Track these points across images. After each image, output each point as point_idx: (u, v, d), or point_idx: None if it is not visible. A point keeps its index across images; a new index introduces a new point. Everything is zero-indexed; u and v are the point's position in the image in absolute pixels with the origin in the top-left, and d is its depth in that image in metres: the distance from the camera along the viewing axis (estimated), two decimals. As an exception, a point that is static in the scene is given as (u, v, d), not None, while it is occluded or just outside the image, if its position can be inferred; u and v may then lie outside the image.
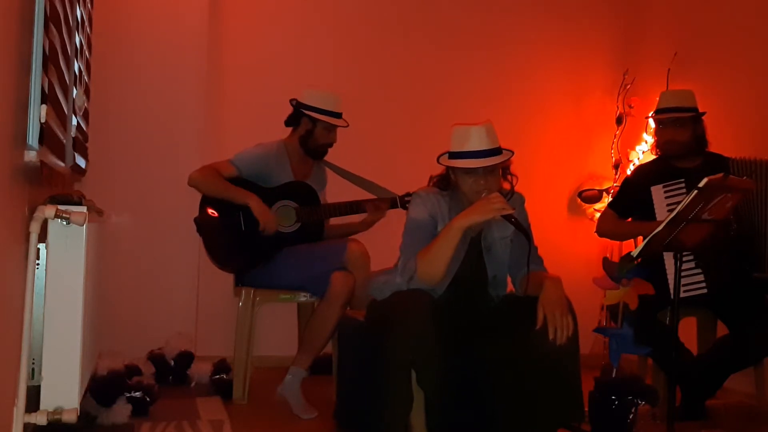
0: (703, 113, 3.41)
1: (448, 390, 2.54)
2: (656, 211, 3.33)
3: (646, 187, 3.39)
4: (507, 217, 2.54)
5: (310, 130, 3.48)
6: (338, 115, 3.49)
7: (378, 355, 2.51)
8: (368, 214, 3.56)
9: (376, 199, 3.58)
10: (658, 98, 3.52)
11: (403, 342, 2.44)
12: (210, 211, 3.41)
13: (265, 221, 3.36)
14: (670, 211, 2.61)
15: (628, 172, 4.39)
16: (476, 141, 2.58)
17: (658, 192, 3.36)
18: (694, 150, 3.40)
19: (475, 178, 2.61)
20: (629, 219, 3.57)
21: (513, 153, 2.65)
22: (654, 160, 3.60)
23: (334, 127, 3.50)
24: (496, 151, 2.60)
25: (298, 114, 3.51)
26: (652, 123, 4.38)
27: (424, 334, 2.43)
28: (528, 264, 2.59)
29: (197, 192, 3.44)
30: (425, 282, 2.58)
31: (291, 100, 3.54)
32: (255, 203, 3.36)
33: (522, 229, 2.58)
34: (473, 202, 2.58)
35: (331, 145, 3.55)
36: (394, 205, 3.59)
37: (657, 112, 3.47)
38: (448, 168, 2.70)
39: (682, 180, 3.30)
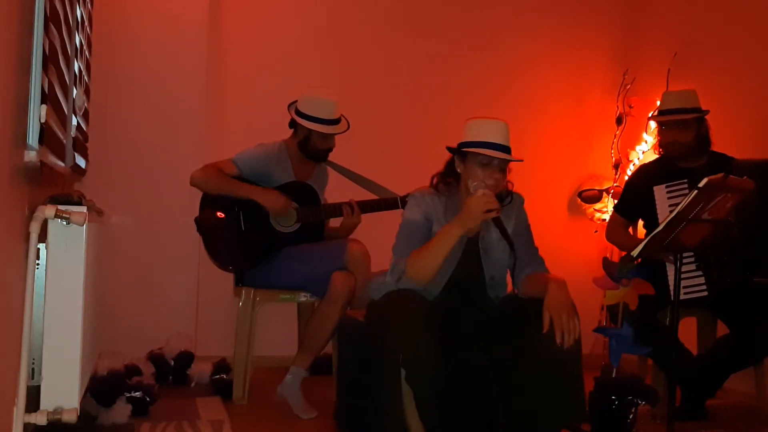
0: (707, 112, 3.38)
1: (449, 391, 2.53)
2: (658, 211, 3.31)
3: (649, 187, 3.38)
4: (495, 220, 2.53)
5: (308, 137, 3.47)
6: (335, 122, 3.45)
7: (374, 355, 2.51)
8: (344, 218, 3.50)
9: (376, 200, 3.57)
10: (659, 99, 3.51)
11: (393, 341, 2.43)
12: (215, 213, 3.40)
13: (274, 207, 3.35)
14: (672, 211, 2.61)
15: (629, 173, 4.39)
16: (497, 134, 2.57)
17: (660, 192, 3.34)
18: (698, 150, 3.38)
19: (490, 170, 2.58)
20: (637, 221, 3.59)
21: (522, 160, 2.64)
22: (656, 160, 3.57)
23: (331, 134, 3.49)
24: (510, 150, 2.60)
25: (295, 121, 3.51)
26: (652, 124, 4.40)
27: (412, 333, 2.40)
28: (514, 266, 2.60)
29: (197, 192, 3.44)
30: (413, 283, 2.58)
31: (289, 106, 3.53)
32: (260, 193, 3.35)
33: (506, 235, 2.56)
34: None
35: (330, 150, 3.53)
36: (395, 206, 3.57)
37: (659, 113, 3.44)
38: (455, 159, 2.66)
39: (685, 180, 3.27)
